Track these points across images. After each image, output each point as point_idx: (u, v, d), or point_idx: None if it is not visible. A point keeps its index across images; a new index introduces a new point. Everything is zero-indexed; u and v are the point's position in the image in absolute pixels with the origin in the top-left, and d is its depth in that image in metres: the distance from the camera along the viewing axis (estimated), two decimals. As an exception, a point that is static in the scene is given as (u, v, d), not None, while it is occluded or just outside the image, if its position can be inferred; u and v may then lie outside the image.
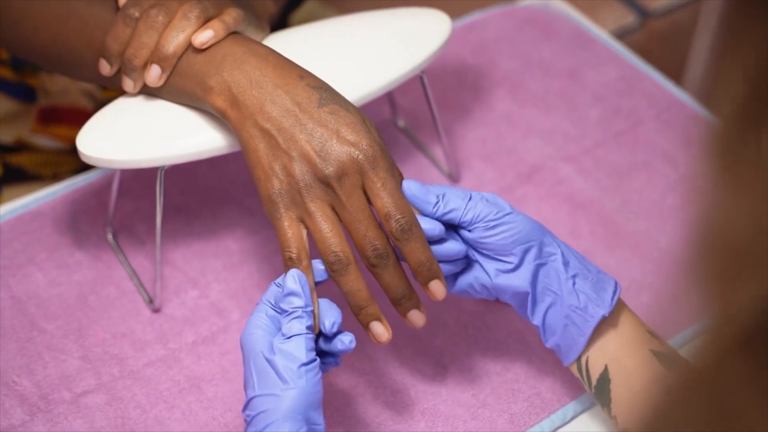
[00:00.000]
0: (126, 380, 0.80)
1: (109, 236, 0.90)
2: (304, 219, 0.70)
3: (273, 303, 0.69)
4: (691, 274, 0.38)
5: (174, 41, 0.76)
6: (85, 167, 1.09)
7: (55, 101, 1.06)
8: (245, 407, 0.66)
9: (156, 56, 0.76)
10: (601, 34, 1.12)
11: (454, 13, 0.91)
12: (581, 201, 0.94)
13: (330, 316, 0.69)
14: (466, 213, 0.71)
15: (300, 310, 0.67)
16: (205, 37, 0.75)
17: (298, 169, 0.70)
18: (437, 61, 0.97)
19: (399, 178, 0.72)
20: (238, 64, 0.74)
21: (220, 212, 0.93)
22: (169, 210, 0.91)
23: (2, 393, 0.79)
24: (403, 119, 1.01)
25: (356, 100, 0.80)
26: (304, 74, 0.74)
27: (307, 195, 0.69)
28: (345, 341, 0.69)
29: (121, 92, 0.80)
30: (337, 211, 0.70)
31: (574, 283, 0.71)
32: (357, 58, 0.83)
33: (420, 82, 0.88)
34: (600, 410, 0.79)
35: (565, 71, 1.07)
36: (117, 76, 0.79)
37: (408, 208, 0.70)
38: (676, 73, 1.47)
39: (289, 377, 0.65)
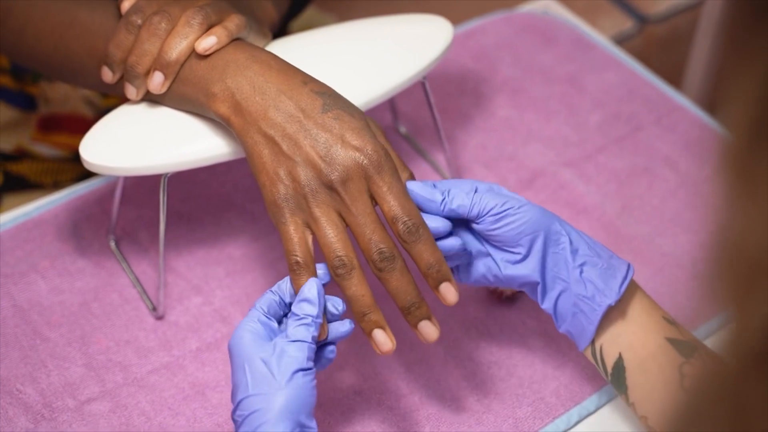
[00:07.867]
0: (130, 387, 0.80)
1: (112, 244, 0.90)
2: (310, 224, 0.70)
3: (266, 310, 0.69)
4: (710, 285, 0.39)
5: (177, 48, 0.76)
6: (86, 175, 1.09)
7: (55, 109, 1.06)
8: (236, 409, 0.66)
9: (159, 63, 0.76)
10: (601, 39, 1.13)
11: (453, 20, 0.92)
12: (583, 206, 0.94)
13: (335, 302, 0.71)
14: (473, 208, 0.71)
15: (311, 318, 0.68)
16: (208, 43, 0.75)
17: (303, 175, 0.70)
18: (438, 67, 0.98)
19: (410, 177, 0.72)
20: (241, 70, 0.74)
21: (223, 219, 0.93)
22: (172, 217, 0.91)
23: (6, 401, 0.78)
24: (404, 125, 1.01)
25: (360, 106, 0.80)
26: (307, 80, 0.74)
27: (313, 200, 0.69)
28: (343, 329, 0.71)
29: (123, 99, 0.80)
30: (343, 215, 0.70)
31: (581, 272, 0.71)
32: (360, 64, 0.83)
33: (422, 87, 0.88)
34: (604, 416, 0.79)
35: (565, 77, 1.07)
36: (119, 83, 0.79)
37: (415, 210, 0.70)
38: (675, 78, 1.48)
39: (286, 379, 0.65)
